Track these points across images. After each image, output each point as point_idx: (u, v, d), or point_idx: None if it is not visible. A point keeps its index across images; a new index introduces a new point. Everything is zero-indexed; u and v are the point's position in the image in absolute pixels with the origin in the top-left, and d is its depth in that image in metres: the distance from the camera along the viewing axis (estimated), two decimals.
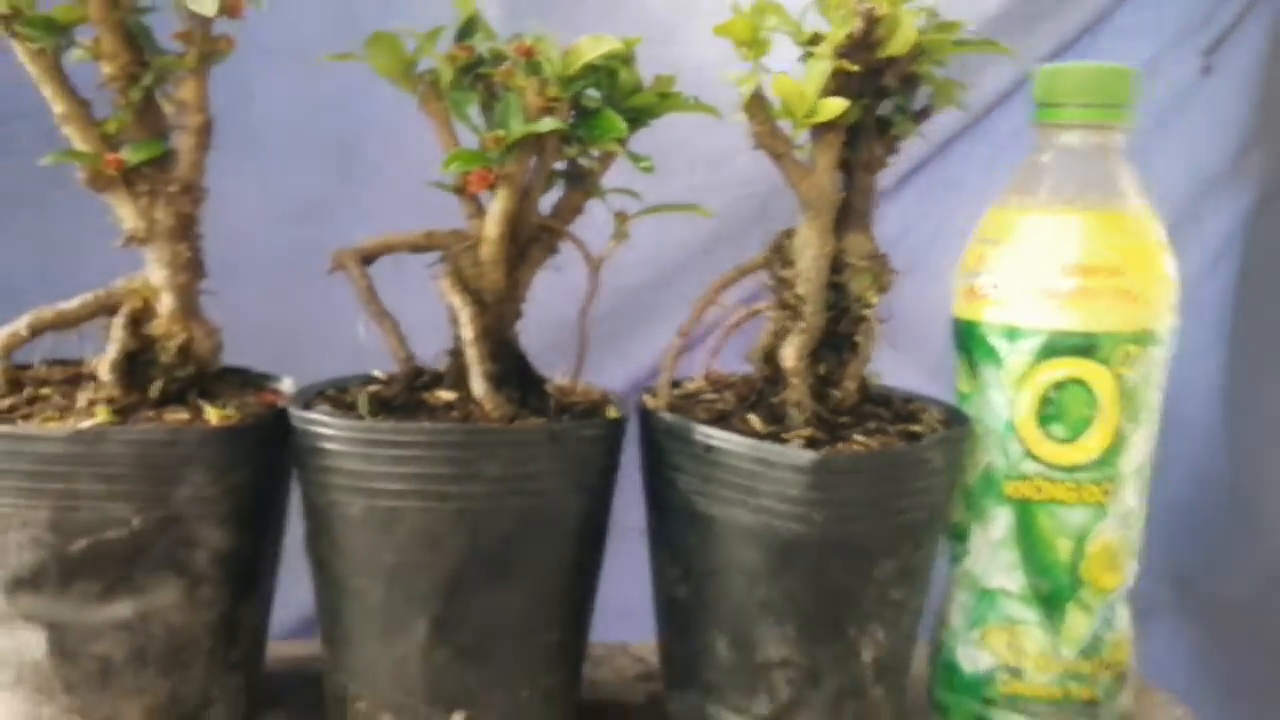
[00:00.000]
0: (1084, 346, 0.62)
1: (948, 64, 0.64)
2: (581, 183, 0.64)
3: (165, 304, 0.60)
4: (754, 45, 0.60)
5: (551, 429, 0.58)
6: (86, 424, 0.56)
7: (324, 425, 0.57)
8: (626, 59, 0.61)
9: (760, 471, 0.58)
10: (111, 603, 0.57)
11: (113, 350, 0.58)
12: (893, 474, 0.60)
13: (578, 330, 0.65)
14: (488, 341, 0.60)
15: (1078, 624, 0.65)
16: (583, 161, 0.64)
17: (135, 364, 0.60)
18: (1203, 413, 1.10)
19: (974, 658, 0.66)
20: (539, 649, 0.61)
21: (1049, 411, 0.63)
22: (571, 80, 0.59)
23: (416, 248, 0.63)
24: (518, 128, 0.58)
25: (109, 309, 0.60)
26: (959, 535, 0.67)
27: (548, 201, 0.65)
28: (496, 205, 0.60)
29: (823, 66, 0.59)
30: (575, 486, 0.60)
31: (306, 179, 0.96)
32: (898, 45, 0.60)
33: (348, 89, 0.92)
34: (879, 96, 0.64)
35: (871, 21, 0.59)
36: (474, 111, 0.62)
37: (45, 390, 0.59)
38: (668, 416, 0.62)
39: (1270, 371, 1.09)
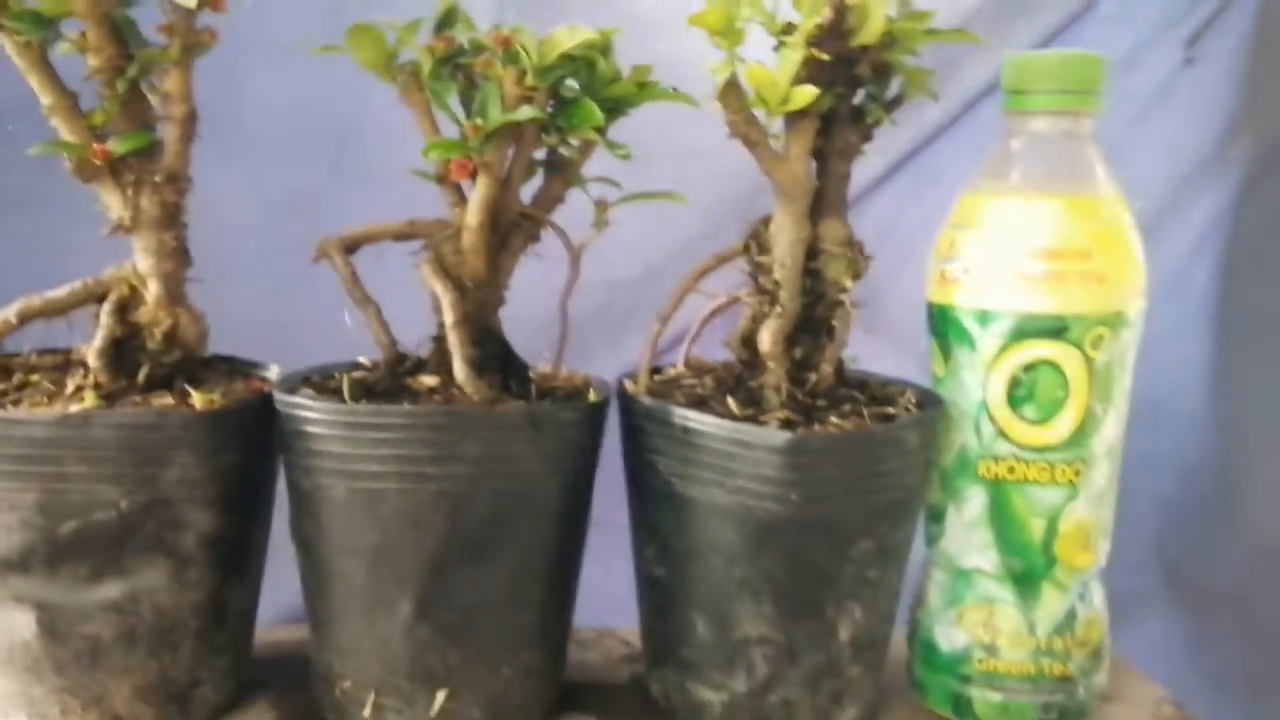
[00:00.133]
0: (1054, 329, 0.63)
1: (920, 53, 0.65)
2: (562, 172, 0.66)
3: (152, 291, 0.61)
4: (728, 35, 0.61)
5: (531, 411, 0.59)
6: (74, 408, 0.57)
7: (307, 409, 0.59)
8: (604, 49, 0.62)
9: (737, 453, 0.59)
10: (100, 584, 0.58)
11: (100, 336, 0.60)
12: (868, 454, 0.61)
13: (559, 316, 0.66)
14: (469, 327, 0.62)
15: (1052, 602, 0.66)
16: (563, 151, 0.66)
17: (123, 351, 0.61)
18: (1189, 402, 1.11)
19: (951, 636, 0.67)
20: (521, 628, 0.62)
21: (1020, 393, 0.64)
22: (549, 70, 0.60)
23: (399, 236, 0.64)
24: (496, 116, 0.60)
25: (97, 297, 0.61)
26: (935, 516, 0.68)
27: (530, 191, 0.66)
28: (477, 193, 0.62)
29: (795, 55, 0.60)
30: (556, 469, 0.61)
31: (298, 175, 0.96)
32: (868, 34, 0.61)
33: (339, 85, 0.92)
34: (852, 85, 0.65)
35: (841, 10, 0.60)
36: (454, 102, 0.63)
37: (34, 377, 0.60)
38: (647, 400, 0.63)
39: (1256, 359, 1.09)
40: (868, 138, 0.67)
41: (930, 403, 0.66)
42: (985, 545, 0.66)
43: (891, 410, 0.64)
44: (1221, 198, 1.09)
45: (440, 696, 0.60)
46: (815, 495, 0.60)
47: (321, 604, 0.62)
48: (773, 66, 0.61)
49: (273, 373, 0.66)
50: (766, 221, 0.66)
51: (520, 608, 0.62)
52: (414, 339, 0.66)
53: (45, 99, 0.59)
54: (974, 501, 0.66)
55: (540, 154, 0.65)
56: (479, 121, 0.60)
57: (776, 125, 0.65)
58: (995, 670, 0.66)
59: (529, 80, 0.60)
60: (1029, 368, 0.63)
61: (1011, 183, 0.65)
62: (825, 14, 0.59)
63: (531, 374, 0.66)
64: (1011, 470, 0.65)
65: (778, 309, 0.64)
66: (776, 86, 0.61)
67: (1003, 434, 0.64)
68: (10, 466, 0.56)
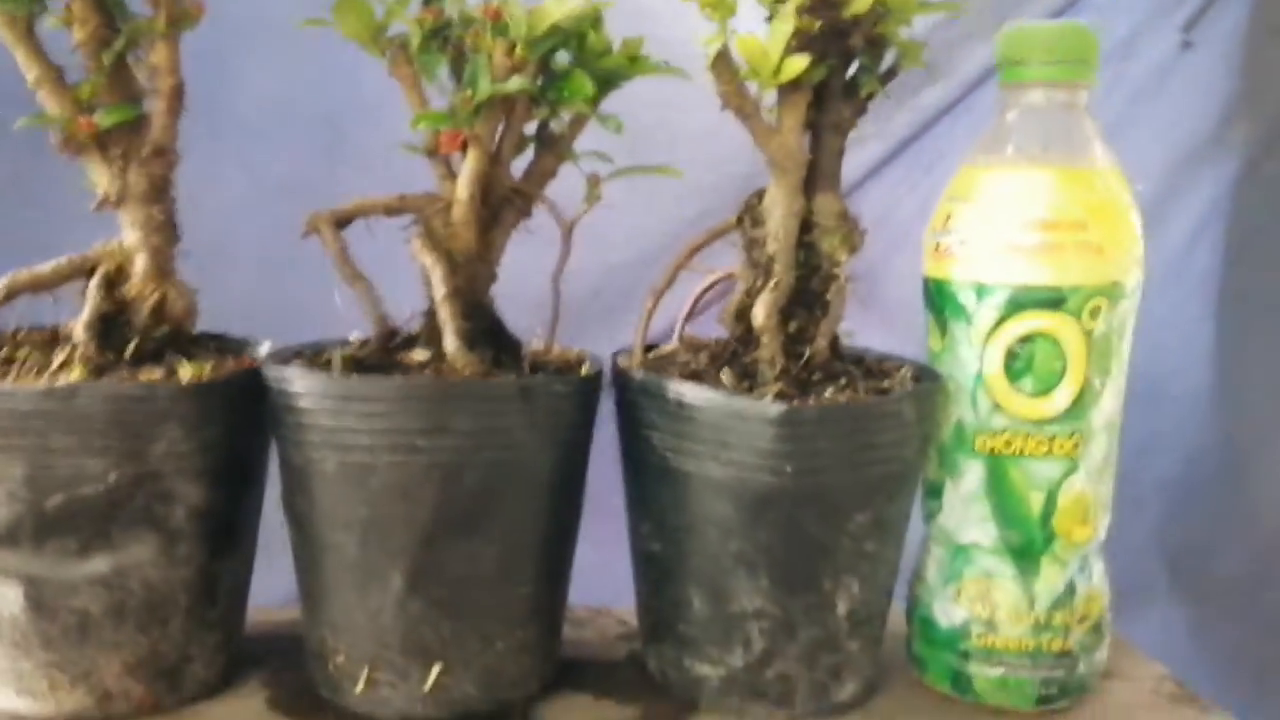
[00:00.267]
0: (1051, 300, 0.62)
1: (913, 24, 0.65)
2: (553, 146, 0.65)
3: (139, 265, 0.61)
4: (719, 7, 0.61)
5: (522, 384, 0.59)
6: (61, 381, 0.56)
7: (296, 382, 0.58)
8: (594, 21, 0.62)
9: (731, 425, 0.59)
10: (88, 558, 0.57)
11: (88, 310, 0.59)
12: (863, 426, 0.60)
13: (551, 293, 0.66)
14: (460, 301, 0.61)
15: (1050, 577, 0.65)
16: (554, 126, 0.65)
17: (111, 326, 0.61)
18: (1190, 386, 1.10)
19: (949, 612, 0.67)
20: (514, 601, 0.62)
21: (1018, 366, 0.63)
22: (539, 41, 0.60)
23: (390, 210, 0.64)
24: (485, 87, 0.59)
25: (84, 272, 0.61)
26: (933, 492, 0.67)
27: (521, 167, 0.66)
28: (467, 166, 0.61)
29: (786, 26, 0.60)
30: (548, 442, 0.61)
31: (293, 159, 0.96)
32: (860, 4, 0.61)
33: (333, 69, 0.93)
34: (845, 58, 0.64)
35: None
36: (445, 77, 0.63)
37: (21, 351, 0.60)
38: (641, 374, 0.63)
39: (1258, 342, 1.09)
40: (861, 111, 0.67)
41: (926, 377, 0.65)
42: (983, 519, 0.65)
43: (887, 384, 0.64)
44: (1221, 181, 1.09)
45: (434, 670, 0.60)
46: (810, 467, 0.59)
47: (314, 579, 0.61)
48: (764, 38, 0.61)
49: (263, 349, 0.66)
50: (760, 195, 0.66)
51: (513, 581, 0.61)
52: (405, 319, 0.65)
53: (31, 72, 0.59)
54: (971, 475, 0.65)
55: (531, 128, 0.65)
56: (469, 93, 0.59)
57: (770, 101, 0.64)
58: (994, 646, 0.65)
59: (519, 52, 0.59)
60: (1026, 340, 0.63)
61: (1007, 155, 0.65)
62: None
63: (524, 351, 0.66)
64: (1009, 443, 0.64)
65: (772, 282, 0.64)
66: (768, 57, 0.61)
67: (1000, 407, 0.64)
68: None
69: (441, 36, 0.62)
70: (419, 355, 0.62)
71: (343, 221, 0.63)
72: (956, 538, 0.67)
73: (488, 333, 0.64)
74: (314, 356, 0.64)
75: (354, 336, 0.67)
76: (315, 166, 0.96)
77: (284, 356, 0.63)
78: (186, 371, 0.59)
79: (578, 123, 0.65)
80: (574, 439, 0.63)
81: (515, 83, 0.59)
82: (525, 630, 0.62)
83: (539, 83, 0.61)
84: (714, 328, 0.70)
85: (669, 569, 0.64)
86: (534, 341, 0.68)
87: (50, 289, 0.60)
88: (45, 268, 0.60)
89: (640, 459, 0.64)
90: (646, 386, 0.62)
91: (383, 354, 0.63)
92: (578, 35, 0.62)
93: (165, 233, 0.61)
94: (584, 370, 0.63)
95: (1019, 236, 0.63)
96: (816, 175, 0.66)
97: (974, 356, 0.64)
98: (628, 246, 1.02)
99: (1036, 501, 0.64)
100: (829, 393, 0.62)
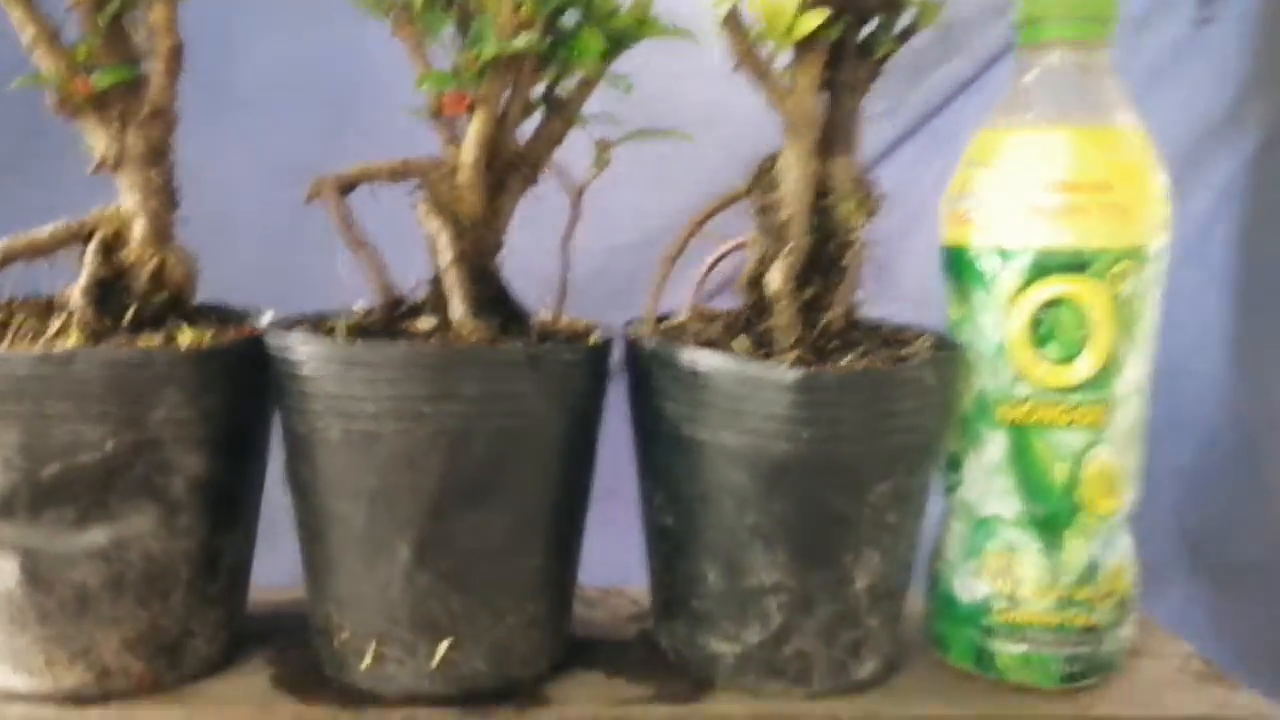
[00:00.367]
0: (1075, 264, 0.60)
1: None
2: (561, 111, 0.64)
3: (137, 230, 0.59)
4: None
5: (530, 351, 0.57)
6: (58, 347, 0.55)
7: (299, 348, 0.57)
8: None
9: (747, 393, 0.57)
10: (86, 529, 0.56)
11: (85, 275, 0.58)
12: (882, 393, 0.59)
13: (561, 256, 0.64)
14: (466, 266, 0.60)
15: (1076, 549, 0.63)
16: (560, 91, 0.64)
17: (109, 292, 0.59)
18: (1209, 368, 1.08)
19: (971, 587, 0.65)
20: (524, 574, 0.60)
21: (1041, 332, 0.62)
22: None
23: (394, 175, 0.62)
24: (492, 46, 0.58)
25: (81, 237, 0.59)
26: (953, 464, 0.66)
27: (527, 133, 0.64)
28: (473, 128, 0.60)
29: None
30: (557, 410, 0.59)
31: (296, 131, 0.95)
32: None
33: (338, 46, 0.91)
34: (861, 15, 0.63)
35: None
36: (450, 40, 0.61)
37: (17, 318, 0.58)
38: (653, 342, 0.61)
39: (1278, 323, 1.07)
40: (877, 73, 0.65)
41: (946, 345, 0.64)
42: (1006, 491, 0.63)
43: (906, 353, 0.62)
44: (1239, 160, 1.07)
45: (443, 646, 0.58)
46: (828, 435, 0.57)
47: (318, 551, 0.60)
48: None
49: (265, 318, 0.64)
50: (772, 160, 0.64)
51: (523, 554, 0.60)
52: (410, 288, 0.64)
53: (26, 33, 0.57)
54: (993, 446, 0.63)
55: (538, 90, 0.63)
56: (474, 52, 0.58)
57: (782, 59, 0.63)
58: (1017, 621, 0.64)
59: (526, 8, 0.58)
60: (1049, 305, 0.61)
61: (1027, 117, 0.63)
62: None
63: (532, 321, 0.64)
64: (1032, 413, 0.62)
65: (787, 247, 0.62)
66: (782, 14, 0.59)
67: (1022, 376, 0.62)
68: None
69: None
70: (424, 323, 0.61)
71: (347, 187, 0.62)
72: (978, 511, 0.65)
73: (494, 300, 0.63)
74: (318, 324, 0.62)
75: (358, 306, 0.65)
76: (319, 138, 0.94)
77: (287, 324, 0.62)
78: (186, 337, 0.57)
79: (586, 86, 0.63)
80: (583, 408, 0.61)
81: (523, 40, 0.57)
82: (535, 604, 0.61)
83: (547, 41, 0.60)
84: (725, 301, 0.69)
85: (682, 543, 0.62)
86: (541, 312, 0.66)
87: (47, 254, 0.59)
88: (42, 232, 0.59)
89: (653, 429, 0.62)
90: (659, 354, 0.61)
91: (387, 322, 0.62)
92: None
93: (164, 196, 0.60)
94: (593, 340, 0.62)
95: (1041, 198, 0.61)
96: (832, 138, 0.64)
97: (995, 324, 0.62)
98: (633, 228, 1.00)
99: (1061, 472, 0.62)
100: (847, 360, 0.60)
